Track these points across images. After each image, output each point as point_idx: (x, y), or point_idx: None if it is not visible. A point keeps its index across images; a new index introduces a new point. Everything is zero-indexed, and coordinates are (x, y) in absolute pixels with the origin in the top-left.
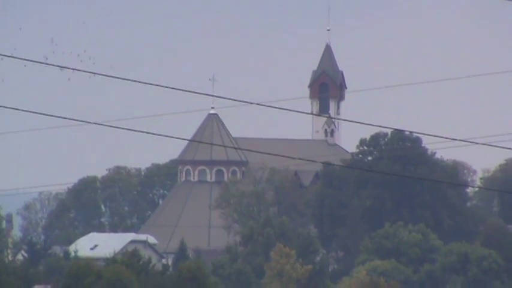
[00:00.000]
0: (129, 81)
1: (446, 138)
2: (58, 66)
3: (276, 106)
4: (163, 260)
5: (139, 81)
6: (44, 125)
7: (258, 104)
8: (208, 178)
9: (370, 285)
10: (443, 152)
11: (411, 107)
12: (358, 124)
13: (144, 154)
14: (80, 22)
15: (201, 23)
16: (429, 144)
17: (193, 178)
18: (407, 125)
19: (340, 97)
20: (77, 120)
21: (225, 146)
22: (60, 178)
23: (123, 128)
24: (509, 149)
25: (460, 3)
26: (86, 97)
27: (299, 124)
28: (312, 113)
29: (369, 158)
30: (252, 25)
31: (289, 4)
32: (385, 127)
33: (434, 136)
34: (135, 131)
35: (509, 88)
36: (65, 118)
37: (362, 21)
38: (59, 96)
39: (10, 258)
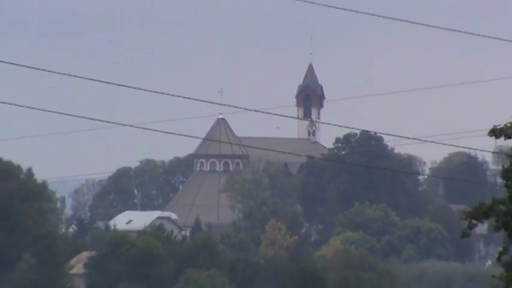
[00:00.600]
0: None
1: (401, 137)
2: (60, 73)
3: (270, 112)
4: (183, 232)
5: (166, 94)
6: (89, 126)
7: (256, 110)
8: (217, 168)
9: (343, 252)
10: (400, 148)
11: (376, 113)
12: (334, 126)
13: (167, 149)
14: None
15: (212, 47)
16: (389, 142)
17: (206, 168)
18: (372, 127)
19: (320, 105)
20: (117, 123)
21: (230, 143)
22: (102, 168)
23: (151, 130)
24: (451, 145)
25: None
26: (123, 103)
27: (288, 126)
28: (298, 118)
29: (343, 153)
30: (251, 48)
31: (282, 33)
32: (355, 128)
33: (393, 135)
34: (161, 131)
35: (450, 99)
36: (108, 122)
37: (337, 45)
38: (101, 101)
39: (63, 230)
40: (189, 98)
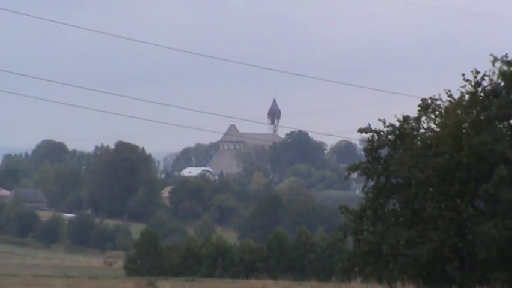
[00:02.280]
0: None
1: (313, 132)
2: (91, 89)
3: (255, 121)
4: (215, 177)
5: (212, 113)
6: (170, 128)
7: (248, 120)
8: (231, 148)
9: (290, 187)
10: (315, 137)
11: (304, 121)
12: (285, 128)
13: (208, 138)
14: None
15: (230, 90)
16: (310, 135)
17: (225, 148)
18: (302, 127)
19: (279, 118)
20: (186, 126)
21: (236, 136)
22: (178, 147)
23: (203, 129)
24: (339, 136)
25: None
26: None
27: (264, 128)
28: (268, 123)
29: (289, 140)
30: (246, 90)
31: (260, 85)
32: (295, 129)
33: (312, 132)
34: (206, 130)
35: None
36: (180, 125)
37: (287, 89)
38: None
39: (158, 176)
40: (219, 115)
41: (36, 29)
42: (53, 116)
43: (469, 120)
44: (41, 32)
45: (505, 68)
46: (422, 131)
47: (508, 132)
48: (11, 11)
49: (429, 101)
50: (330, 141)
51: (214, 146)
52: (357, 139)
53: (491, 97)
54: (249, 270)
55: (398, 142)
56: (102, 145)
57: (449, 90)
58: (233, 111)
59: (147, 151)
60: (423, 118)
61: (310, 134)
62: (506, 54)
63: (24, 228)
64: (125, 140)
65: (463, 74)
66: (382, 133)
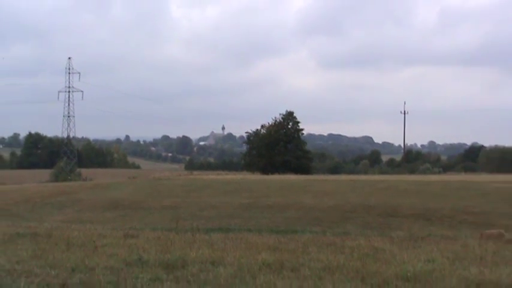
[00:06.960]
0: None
1: (237, 133)
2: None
3: (224, 128)
4: (217, 146)
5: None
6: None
7: (223, 128)
8: (223, 135)
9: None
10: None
11: (238, 129)
12: (227, 132)
13: (217, 132)
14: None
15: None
16: (235, 135)
17: (223, 134)
18: (233, 132)
19: (224, 130)
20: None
21: (223, 133)
22: (205, 134)
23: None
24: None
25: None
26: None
27: (221, 132)
28: (222, 131)
29: (237, 136)
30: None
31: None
32: (236, 133)
33: (237, 134)
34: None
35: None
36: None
37: (230, 123)
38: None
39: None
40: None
41: None
42: (181, 118)
43: (273, 131)
44: None
45: (283, 116)
46: (262, 132)
47: (286, 135)
48: None
49: (264, 124)
50: (239, 135)
51: (223, 135)
52: (245, 134)
53: (280, 124)
54: (230, 170)
55: (256, 135)
56: (178, 136)
57: (269, 122)
58: (225, 124)
59: (191, 137)
60: (262, 129)
61: (237, 135)
62: (285, 112)
63: (175, 160)
64: (186, 134)
65: (272, 118)
66: (252, 133)
